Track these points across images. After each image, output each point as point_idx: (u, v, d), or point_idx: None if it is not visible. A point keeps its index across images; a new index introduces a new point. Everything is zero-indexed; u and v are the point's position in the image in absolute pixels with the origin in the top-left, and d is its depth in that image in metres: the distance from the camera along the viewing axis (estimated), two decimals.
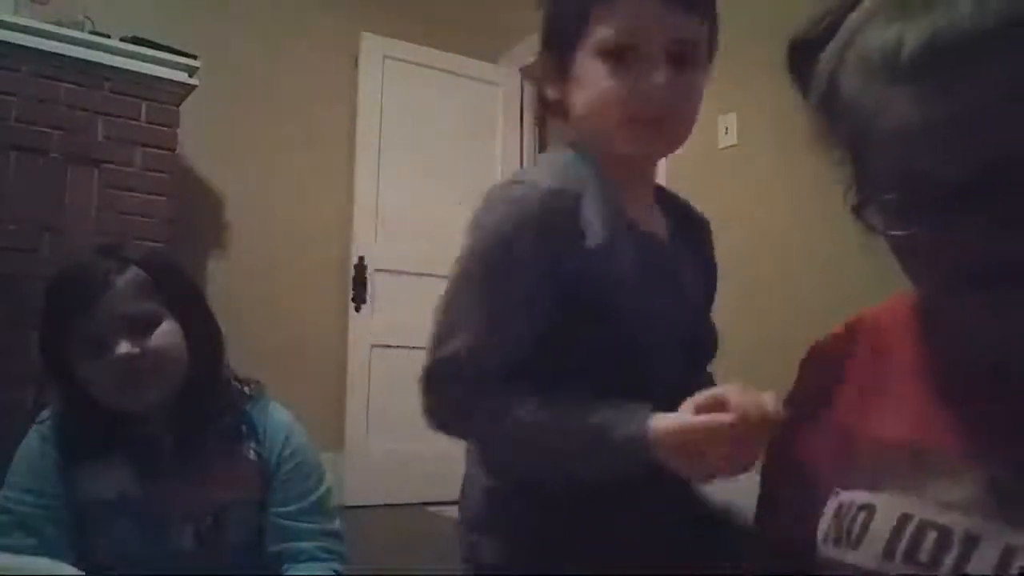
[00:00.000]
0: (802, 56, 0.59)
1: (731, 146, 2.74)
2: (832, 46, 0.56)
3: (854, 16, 0.54)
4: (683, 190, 3.17)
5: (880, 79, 0.51)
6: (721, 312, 2.87)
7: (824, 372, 0.69)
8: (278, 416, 1.14)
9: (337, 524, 1.14)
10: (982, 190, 0.48)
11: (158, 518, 1.02)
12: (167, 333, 1.02)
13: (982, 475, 0.54)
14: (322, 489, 1.14)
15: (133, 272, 1.02)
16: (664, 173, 2.98)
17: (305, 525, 1.09)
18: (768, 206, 2.53)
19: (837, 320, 0.72)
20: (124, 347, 0.98)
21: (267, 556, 1.08)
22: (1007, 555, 0.51)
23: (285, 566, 1.07)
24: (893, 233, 0.53)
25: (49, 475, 1.02)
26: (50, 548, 0.97)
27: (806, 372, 0.72)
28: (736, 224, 2.69)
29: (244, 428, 1.09)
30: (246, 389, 1.14)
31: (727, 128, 2.75)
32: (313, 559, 1.07)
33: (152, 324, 1.01)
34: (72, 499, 1.02)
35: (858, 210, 0.55)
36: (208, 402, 1.07)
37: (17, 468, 1.04)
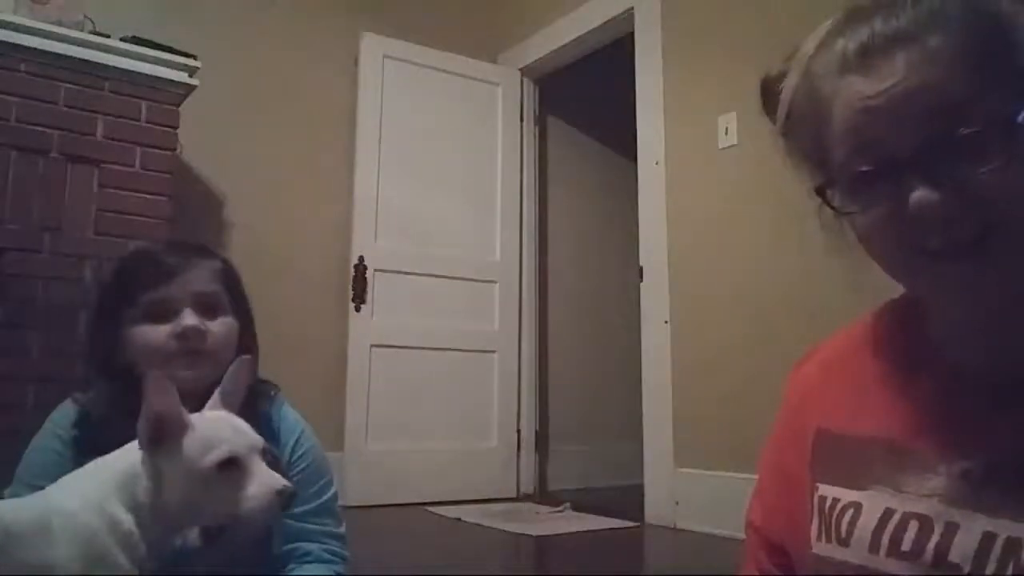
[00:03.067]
0: (770, 92, 0.66)
1: (731, 146, 2.74)
2: (789, 77, 0.63)
3: (805, 49, 0.62)
4: (683, 190, 3.20)
5: (834, 75, 0.58)
6: (721, 309, 2.89)
7: (810, 379, 0.73)
8: (291, 417, 1.15)
9: (343, 528, 1.15)
10: (926, 160, 0.53)
11: None
12: (228, 323, 1.07)
13: (957, 467, 0.57)
14: (331, 492, 1.15)
15: (213, 261, 1.10)
16: (664, 174, 2.98)
17: (313, 526, 1.10)
18: (768, 206, 2.53)
19: (837, 316, 0.73)
20: (192, 318, 1.03)
21: (273, 555, 1.08)
22: (986, 541, 0.53)
23: (290, 566, 1.07)
24: (852, 211, 0.58)
25: (64, 471, 1.02)
26: None
27: (794, 379, 0.75)
28: (736, 224, 2.70)
29: (260, 428, 1.10)
30: (267, 390, 1.15)
31: (727, 128, 2.75)
32: (318, 560, 1.08)
33: (218, 310, 1.07)
34: None
35: (821, 191, 0.60)
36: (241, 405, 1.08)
37: (30, 466, 1.04)
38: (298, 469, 1.11)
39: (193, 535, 1.02)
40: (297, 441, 1.13)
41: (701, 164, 2.85)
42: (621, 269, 3.92)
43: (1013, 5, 0.55)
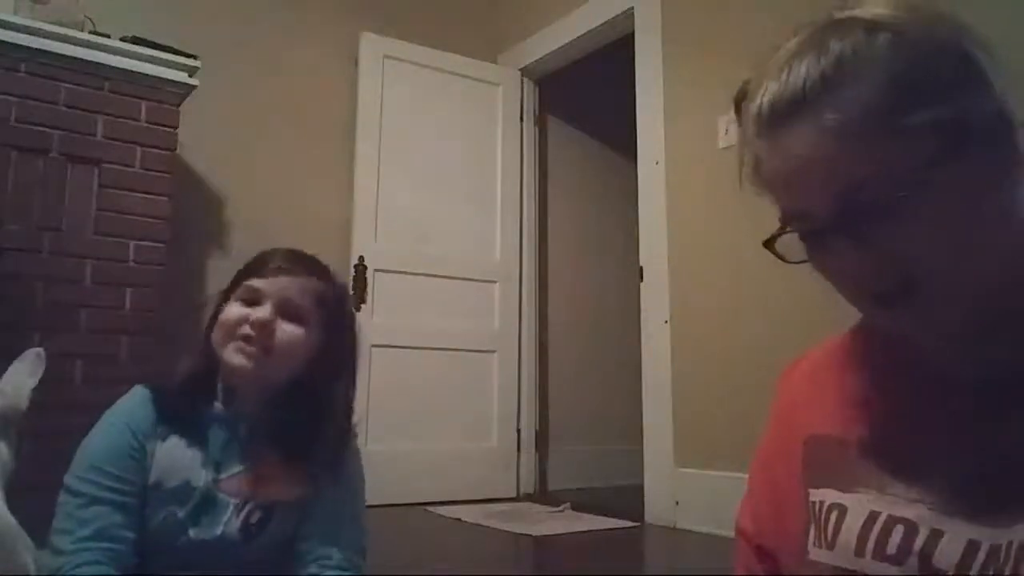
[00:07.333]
0: (739, 108, 0.65)
1: (731, 146, 2.74)
2: (746, 101, 0.62)
3: (761, 70, 0.60)
4: (683, 190, 3.20)
5: (753, 136, 0.59)
6: (721, 309, 2.89)
7: (797, 386, 0.73)
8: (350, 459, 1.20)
9: (366, 542, 1.16)
10: (841, 224, 0.54)
11: (216, 502, 1.06)
12: (301, 333, 1.11)
13: (944, 474, 0.57)
14: (363, 503, 1.18)
15: (317, 281, 1.15)
16: (664, 174, 2.98)
17: (343, 533, 1.12)
18: (768, 206, 2.53)
19: (837, 316, 0.73)
20: (266, 312, 1.09)
21: (296, 552, 1.10)
22: (970, 548, 0.53)
23: (311, 569, 1.08)
24: (802, 259, 0.59)
25: (136, 456, 1.06)
26: (133, 524, 1.03)
27: (783, 386, 0.76)
28: (736, 224, 2.70)
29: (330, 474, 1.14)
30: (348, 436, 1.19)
31: (727, 128, 2.75)
32: (339, 568, 1.09)
33: (299, 320, 1.11)
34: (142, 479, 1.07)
35: (769, 244, 0.61)
36: (303, 418, 1.12)
37: (104, 451, 1.06)
38: (337, 473, 1.14)
39: (233, 528, 1.04)
40: (344, 458, 1.17)
41: (701, 164, 2.85)
42: (621, 269, 3.92)
43: (912, 54, 0.54)
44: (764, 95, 0.57)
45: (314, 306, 1.13)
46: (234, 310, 1.10)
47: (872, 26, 0.55)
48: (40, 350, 0.99)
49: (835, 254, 0.56)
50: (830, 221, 0.55)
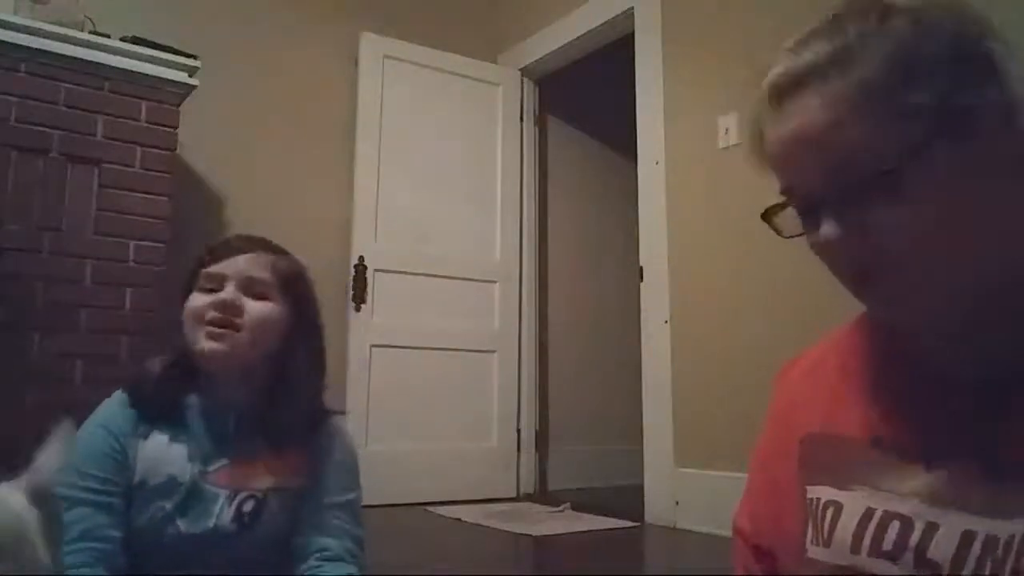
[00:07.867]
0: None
1: (731, 146, 2.74)
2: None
3: (782, 47, 0.62)
4: (683, 190, 3.20)
5: (762, 110, 0.61)
6: (721, 309, 2.89)
7: (795, 385, 0.73)
8: (339, 445, 1.20)
9: (363, 531, 1.16)
10: (831, 199, 0.56)
11: (205, 494, 1.06)
12: (268, 307, 1.12)
13: (938, 468, 0.57)
14: (357, 492, 1.18)
15: (272, 256, 1.17)
16: (664, 174, 2.98)
17: (338, 523, 1.11)
18: (768, 206, 2.53)
19: (837, 316, 0.73)
20: (231, 293, 1.09)
21: (294, 546, 1.09)
22: (966, 540, 0.54)
23: (310, 562, 1.08)
24: (797, 233, 0.61)
25: (117, 455, 1.05)
26: (119, 524, 1.02)
27: (780, 386, 0.76)
28: (736, 224, 2.70)
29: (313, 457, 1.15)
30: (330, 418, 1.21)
31: (727, 128, 2.75)
32: (339, 559, 1.09)
33: (264, 296, 1.12)
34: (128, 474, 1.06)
35: (766, 216, 0.63)
36: (286, 400, 1.13)
37: (83, 455, 1.05)
38: (331, 462, 1.14)
39: (226, 520, 1.03)
40: (331, 437, 1.18)
41: (701, 164, 2.85)
42: (621, 269, 3.93)
43: (920, 38, 0.55)
44: (776, 69, 0.59)
45: (276, 280, 1.14)
46: (198, 298, 1.10)
47: (887, 11, 0.56)
48: (72, 431, 0.94)
49: (823, 229, 0.57)
50: (819, 196, 0.57)
